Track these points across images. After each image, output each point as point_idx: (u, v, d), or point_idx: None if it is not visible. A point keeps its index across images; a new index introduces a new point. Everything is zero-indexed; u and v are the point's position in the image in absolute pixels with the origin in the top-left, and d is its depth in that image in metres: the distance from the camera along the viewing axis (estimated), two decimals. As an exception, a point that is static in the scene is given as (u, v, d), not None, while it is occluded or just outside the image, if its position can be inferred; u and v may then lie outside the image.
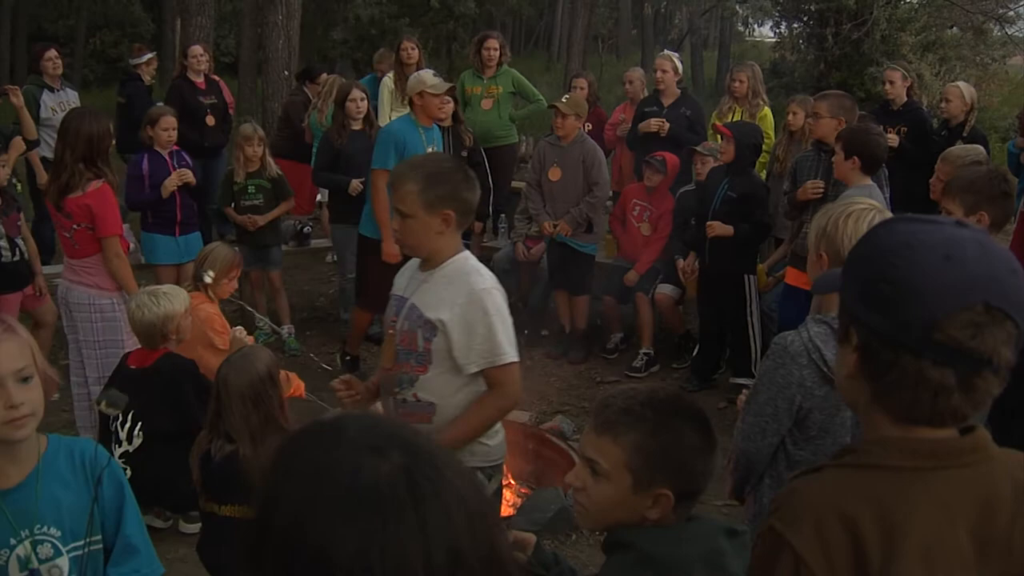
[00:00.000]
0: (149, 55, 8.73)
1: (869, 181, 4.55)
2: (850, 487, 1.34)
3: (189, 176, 5.91)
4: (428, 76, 5.75)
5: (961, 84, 6.95)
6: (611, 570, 1.79)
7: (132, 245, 6.45)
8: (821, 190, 5.12)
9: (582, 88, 7.64)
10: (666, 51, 7.52)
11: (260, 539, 0.96)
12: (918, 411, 1.31)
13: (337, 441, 0.98)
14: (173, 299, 4.11)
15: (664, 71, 6.99)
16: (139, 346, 4.25)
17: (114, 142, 4.82)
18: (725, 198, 5.78)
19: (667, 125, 6.81)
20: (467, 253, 3.01)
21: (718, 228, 5.75)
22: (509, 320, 2.94)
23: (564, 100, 6.39)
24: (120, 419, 4.07)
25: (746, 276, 5.83)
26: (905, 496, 1.30)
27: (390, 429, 1.00)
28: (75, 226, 4.52)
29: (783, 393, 2.43)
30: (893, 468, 1.32)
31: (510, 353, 2.91)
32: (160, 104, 6.78)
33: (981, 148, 5.11)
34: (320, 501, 0.93)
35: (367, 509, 0.91)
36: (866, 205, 2.50)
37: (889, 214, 2.47)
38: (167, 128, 5.90)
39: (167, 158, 5.95)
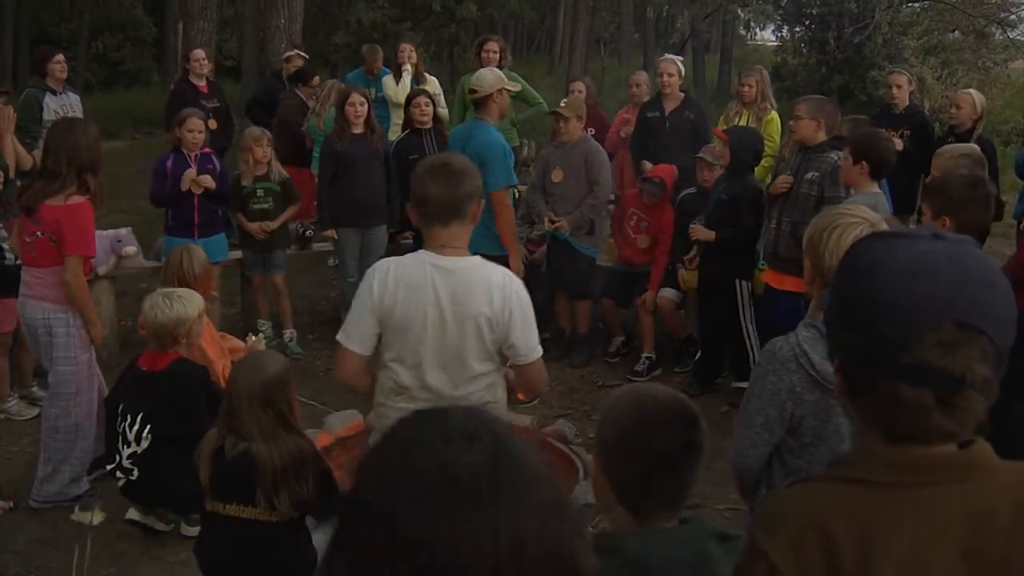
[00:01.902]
0: (290, 53, 8.96)
1: (876, 188, 4.54)
2: (832, 499, 1.33)
3: (208, 182, 5.91)
4: (502, 74, 5.76)
5: (973, 92, 6.92)
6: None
7: (134, 248, 6.45)
8: (788, 185, 5.20)
9: (580, 91, 7.64)
10: (668, 55, 7.46)
11: (347, 503, 1.02)
12: (901, 429, 1.30)
13: (436, 423, 1.03)
14: (187, 303, 4.10)
15: (670, 75, 6.95)
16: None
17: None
18: (719, 201, 5.79)
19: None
20: None
21: (700, 232, 5.76)
22: None
23: (563, 104, 6.41)
24: (128, 420, 4.09)
25: (738, 281, 5.80)
26: (886, 511, 1.29)
27: (488, 422, 1.05)
28: (39, 233, 4.29)
29: (774, 400, 2.40)
30: (877, 483, 1.31)
31: None
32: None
33: (976, 147, 5.11)
34: (402, 475, 0.98)
35: (446, 491, 0.96)
36: (856, 219, 2.45)
37: (884, 227, 2.43)
38: (192, 129, 5.92)
39: (191, 159, 5.96)
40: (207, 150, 6.10)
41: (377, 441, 1.05)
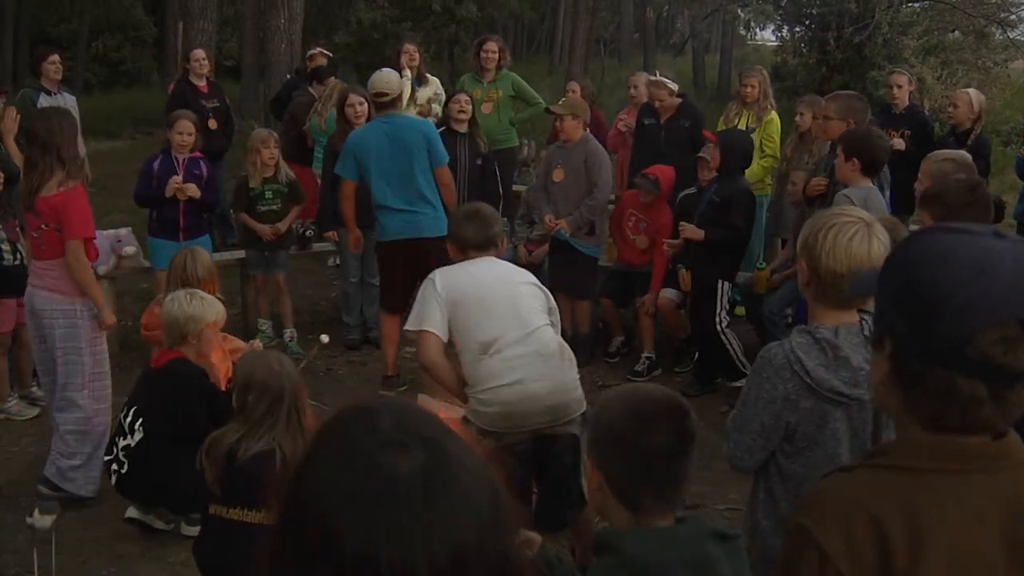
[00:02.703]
0: (314, 51, 9.07)
1: (869, 184, 4.55)
2: (879, 487, 1.34)
3: (193, 191, 5.87)
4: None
5: (971, 91, 6.90)
6: (594, 574, 1.81)
7: (134, 248, 6.45)
8: (823, 186, 5.16)
9: (574, 91, 7.62)
10: (659, 76, 7.19)
11: (282, 513, 1.00)
12: (948, 420, 1.31)
13: (368, 430, 1.00)
14: (206, 306, 4.09)
15: (661, 101, 6.86)
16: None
17: None
18: (710, 202, 5.82)
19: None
20: None
21: (689, 231, 5.77)
22: None
23: (560, 103, 6.41)
24: (124, 412, 4.14)
25: (720, 281, 5.81)
26: (933, 498, 1.30)
27: (420, 425, 1.02)
28: (43, 226, 4.38)
29: (769, 408, 2.38)
30: (921, 470, 1.32)
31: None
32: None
33: (963, 152, 5.08)
34: (339, 487, 0.96)
35: (382, 502, 0.94)
36: (851, 218, 2.41)
37: (879, 227, 2.40)
38: (181, 132, 5.90)
39: (178, 163, 5.93)
40: (197, 154, 6.05)
41: (308, 451, 1.02)
